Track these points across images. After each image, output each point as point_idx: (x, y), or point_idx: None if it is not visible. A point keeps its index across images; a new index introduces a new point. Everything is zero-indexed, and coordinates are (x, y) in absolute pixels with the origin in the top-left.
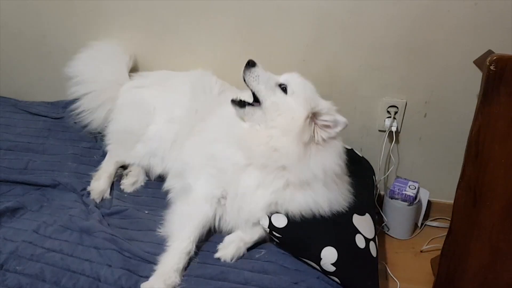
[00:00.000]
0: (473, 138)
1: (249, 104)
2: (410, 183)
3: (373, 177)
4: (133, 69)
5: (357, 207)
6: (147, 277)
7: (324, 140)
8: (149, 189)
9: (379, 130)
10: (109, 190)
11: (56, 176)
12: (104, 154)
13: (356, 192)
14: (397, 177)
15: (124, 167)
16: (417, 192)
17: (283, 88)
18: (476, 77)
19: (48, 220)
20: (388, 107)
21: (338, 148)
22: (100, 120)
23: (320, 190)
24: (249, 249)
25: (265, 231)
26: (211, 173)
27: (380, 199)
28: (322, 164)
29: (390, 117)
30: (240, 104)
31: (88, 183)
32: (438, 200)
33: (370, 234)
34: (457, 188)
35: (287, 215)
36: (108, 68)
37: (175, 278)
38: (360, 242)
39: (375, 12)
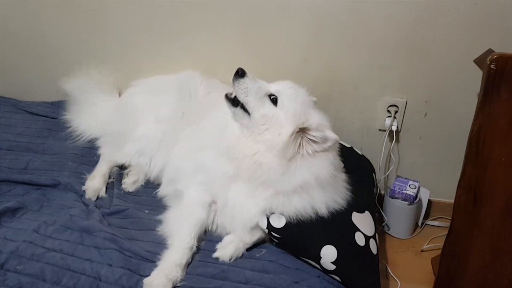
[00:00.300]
0: (474, 137)
1: (241, 106)
2: (410, 182)
3: (373, 175)
4: (133, 69)
5: (356, 205)
6: (148, 276)
7: (309, 154)
8: (150, 189)
9: (379, 130)
10: (104, 189)
11: (56, 176)
12: None
13: (355, 190)
14: (398, 176)
15: (123, 167)
16: (418, 191)
17: (273, 100)
18: (476, 76)
19: (49, 220)
20: (388, 107)
21: (329, 158)
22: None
23: (316, 194)
24: (249, 248)
25: (264, 231)
26: (201, 181)
27: (381, 198)
28: (312, 173)
29: (390, 116)
30: (233, 102)
31: None
32: (438, 200)
33: (370, 231)
34: (457, 188)
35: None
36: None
37: (177, 273)
38: (359, 240)
39: (375, 11)
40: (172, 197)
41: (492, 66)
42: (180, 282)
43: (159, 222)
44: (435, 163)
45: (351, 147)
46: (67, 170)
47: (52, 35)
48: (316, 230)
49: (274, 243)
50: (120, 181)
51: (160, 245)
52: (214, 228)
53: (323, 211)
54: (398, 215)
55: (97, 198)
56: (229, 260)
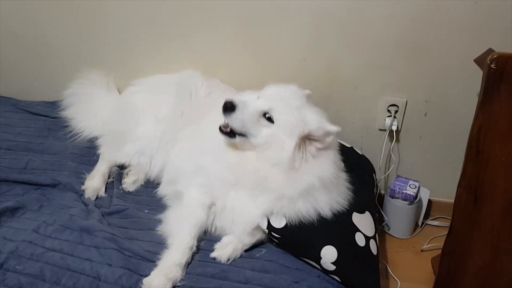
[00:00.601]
0: (474, 137)
1: (239, 134)
2: (410, 182)
3: (373, 175)
4: (134, 69)
5: (357, 205)
6: (147, 276)
7: (313, 156)
8: (149, 189)
9: (380, 129)
10: (104, 188)
11: (56, 176)
12: None
13: (356, 190)
14: (398, 176)
15: (123, 167)
16: (418, 191)
17: (269, 118)
18: (476, 76)
19: (48, 219)
20: (389, 106)
21: (331, 157)
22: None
23: (321, 195)
24: (248, 248)
25: (264, 232)
26: (201, 182)
27: (381, 198)
28: (316, 175)
29: (390, 116)
30: (230, 134)
31: None
32: (438, 199)
33: (370, 232)
34: (457, 187)
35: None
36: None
37: (177, 273)
38: (360, 240)
39: (375, 11)
40: (172, 197)
41: (492, 65)
42: (180, 281)
43: (159, 221)
44: (435, 163)
45: (351, 147)
46: (66, 170)
47: (52, 34)
48: (317, 230)
49: (274, 243)
50: (120, 181)
51: (160, 244)
52: (213, 229)
53: (326, 212)
54: (398, 215)
55: (97, 197)
56: (227, 261)
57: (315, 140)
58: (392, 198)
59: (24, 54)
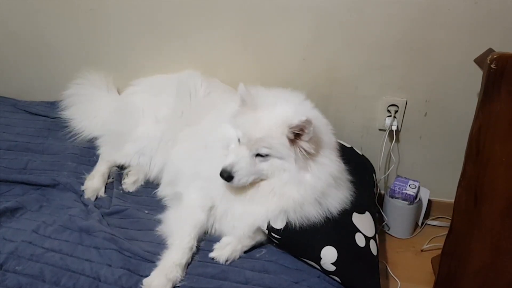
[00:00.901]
0: (474, 137)
1: None
2: (410, 182)
3: (373, 175)
4: (133, 69)
5: (357, 205)
6: (147, 276)
7: (311, 152)
8: (149, 189)
9: (380, 129)
10: (103, 189)
11: (55, 176)
12: None
13: (356, 190)
14: (398, 176)
15: (122, 167)
16: (418, 191)
17: (259, 154)
18: (476, 76)
19: (48, 220)
20: (389, 106)
21: (332, 153)
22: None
23: (333, 193)
24: (248, 249)
25: (264, 233)
26: (200, 185)
27: (381, 198)
28: (328, 173)
29: (390, 116)
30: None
31: None
32: (438, 199)
33: (370, 232)
34: (457, 187)
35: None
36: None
37: (177, 273)
38: (360, 240)
39: (375, 11)
40: (171, 198)
41: (492, 65)
42: (180, 282)
43: (159, 222)
44: (435, 163)
45: (351, 147)
46: (66, 170)
47: (51, 34)
48: (317, 231)
49: (274, 244)
50: (120, 181)
51: (159, 245)
52: (213, 231)
53: (337, 209)
54: (398, 215)
55: (96, 198)
56: (225, 262)
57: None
58: (392, 198)
59: (24, 54)
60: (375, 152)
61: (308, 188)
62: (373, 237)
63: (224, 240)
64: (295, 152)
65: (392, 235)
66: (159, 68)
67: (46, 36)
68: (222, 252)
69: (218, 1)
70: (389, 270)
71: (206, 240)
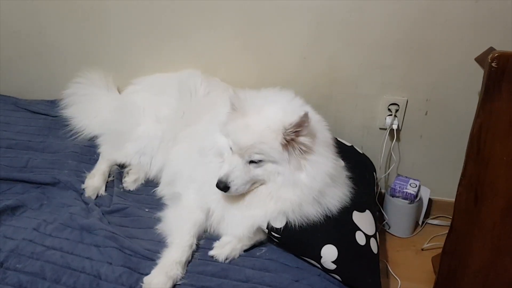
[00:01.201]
0: (475, 136)
1: None
2: (411, 181)
3: (374, 173)
4: (134, 68)
5: (357, 204)
6: (148, 275)
7: (308, 149)
8: (150, 187)
9: (380, 128)
10: (104, 187)
11: (56, 174)
12: None
13: (357, 189)
14: (398, 175)
15: (123, 166)
16: (418, 190)
17: (256, 161)
18: (477, 75)
19: (48, 218)
20: (389, 105)
21: (327, 150)
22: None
23: (331, 192)
24: (249, 248)
25: (264, 232)
26: (197, 187)
27: (381, 197)
28: (323, 172)
29: (391, 115)
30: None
31: None
32: (439, 198)
33: (370, 230)
34: (458, 186)
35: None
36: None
37: (177, 271)
38: (360, 239)
39: (375, 10)
40: (170, 198)
41: (493, 64)
42: (180, 280)
43: (159, 220)
44: (436, 162)
45: (352, 146)
46: (67, 169)
47: (52, 33)
48: (317, 229)
49: (274, 243)
50: (120, 180)
51: (160, 243)
52: (212, 230)
53: (336, 206)
54: (398, 213)
55: (97, 196)
56: (224, 261)
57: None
58: (392, 197)
59: (25, 53)
60: (376, 151)
61: (304, 189)
62: (374, 236)
63: (224, 239)
64: (288, 154)
65: (392, 234)
66: (159, 68)
67: (46, 35)
68: (221, 250)
69: (218, 0)
70: (390, 269)
71: (206, 239)
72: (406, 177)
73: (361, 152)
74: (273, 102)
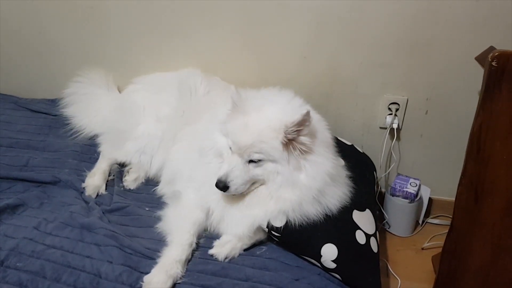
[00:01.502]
0: (475, 135)
1: None
2: (411, 180)
3: (374, 172)
4: (134, 67)
5: (357, 203)
6: (148, 273)
7: (307, 146)
8: (150, 186)
9: (380, 127)
10: (104, 186)
11: (56, 173)
12: None
13: (357, 188)
14: (398, 174)
15: (123, 164)
16: (418, 189)
17: (256, 161)
18: (477, 74)
19: (49, 217)
20: (389, 104)
21: (326, 150)
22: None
23: (331, 191)
24: (249, 247)
25: (264, 231)
26: (197, 187)
27: (381, 196)
28: (323, 172)
29: (391, 114)
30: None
31: None
32: (439, 198)
33: (370, 230)
34: (458, 185)
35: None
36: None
37: (177, 269)
38: (360, 238)
39: (376, 9)
40: (170, 197)
41: (493, 63)
42: (180, 278)
43: (159, 219)
44: (436, 161)
45: (352, 145)
46: (67, 167)
47: (52, 32)
48: (317, 228)
49: (274, 242)
50: (120, 178)
51: (160, 242)
52: (212, 229)
53: (333, 210)
54: (398, 213)
55: (97, 195)
56: (224, 260)
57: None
58: (392, 196)
59: (25, 52)
60: (376, 150)
61: (304, 189)
62: (374, 235)
63: (224, 238)
64: (288, 154)
65: (392, 233)
66: (159, 67)
67: (47, 34)
68: (221, 249)
69: (218, 0)
70: (390, 268)
71: (206, 237)
72: (406, 176)
73: (361, 151)
74: (273, 102)
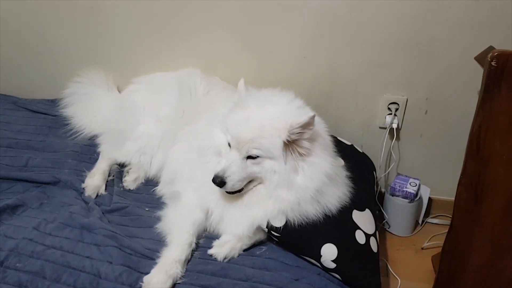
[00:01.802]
0: (474, 135)
1: None
2: (411, 180)
3: (374, 172)
4: (134, 67)
5: (357, 202)
6: (148, 274)
7: (307, 148)
8: (149, 186)
9: (380, 127)
10: (104, 186)
11: (56, 174)
12: None
13: (356, 188)
14: (398, 174)
15: (123, 165)
16: (418, 189)
17: (253, 157)
18: (477, 74)
19: (49, 217)
20: (389, 104)
21: (322, 146)
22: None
23: (330, 191)
24: (249, 247)
25: (264, 232)
26: (196, 187)
27: (381, 196)
28: (320, 173)
29: (391, 114)
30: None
31: None
32: (439, 197)
33: (370, 229)
34: (458, 185)
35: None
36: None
37: (177, 269)
38: (360, 238)
39: (376, 8)
40: (170, 197)
41: (493, 63)
42: (180, 279)
43: (159, 219)
44: (436, 161)
45: (352, 145)
46: (67, 168)
47: (52, 33)
48: (317, 228)
49: (274, 242)
50: (120, 179)
51: (160, 242)
52: (212, 230)
53: (333, 210)
54: (398, 212)
55: (97, 195)
56: (223, 260)
57: (299, 139)
58: (392, 196)
59: (25, 52)
60: (376, 150)
61: (299, 190)
62: (374, 234)
63: (223, 238)
64: (286, 154)
65: (392, 233)
66: (159, 67)
67: (46, 34)
68: (221, 249)
69: (218, 0)
70: (390, 268)
71: (206, 238)
72: (406, 176)
73: (361, 151)
74: (273, 103)
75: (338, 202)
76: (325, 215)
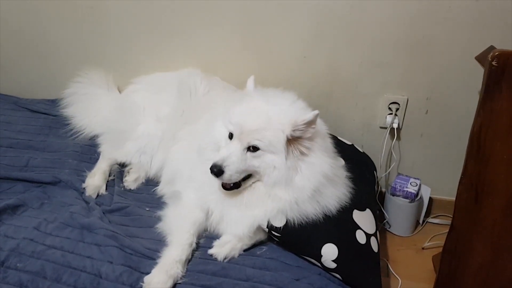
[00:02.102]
0: (475, 135)
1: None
2: (411, 180)
3: (374, 172)
4: (134, 67)
5: (358, 202)
6: (148, 274)
7: (306, 151)
8: (150, 186)
9: (380, 127)
10: (104, 186)
11: (56, 174)
12: None
13: (357, 188)
14: (399, 174)
15: (123, 165)
16: (419, 189)
17: (254, 148)
18: (477, 73)
19: (49, 217)
20: (389, 104)
21: (322, 146)
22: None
23: (329, 192)
24: (249, 247)
25: (264, 232)
26: (196, 187)
27: (382, 196)
28: (318, 174)
29: (391, 113)
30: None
31: None
32: (439, 197)
33: (371, 229)
34: (458, 185)
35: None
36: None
37: (177, 269)
38: (360, 238)
39: (376, 8)
40: (170, 197)
41: (493, 63)
42: (180, 278)
43: (159, 219)
44: (436, 161)
45: (352, 145)
46: (67, 168)
47: (52, 33)
48: (317, 228)
49: (275, 242)
50: (121, 179)
51: (160, 242)
52: (212, 230)
53: (332, 210)
54: (399, 212)
55: (98, 195)
56: (223, 260)
57: (300, 138)
58: (393, 196)
59: (25, 52)
60: (376, 150)
61: (297, 189)
62: (374, 234)
63: (224, 238)
64: (288, 151)
65: (393, 233)
66: (159, 67)
67: (47, 34)
68: (221, 249)
69: (218, 0)
70: (390, 268)
71: (206, 237)
72: (407, 176)
73: (361, 151)
74: (275, 103)
75: (338, 202)
76: (325, 215)
